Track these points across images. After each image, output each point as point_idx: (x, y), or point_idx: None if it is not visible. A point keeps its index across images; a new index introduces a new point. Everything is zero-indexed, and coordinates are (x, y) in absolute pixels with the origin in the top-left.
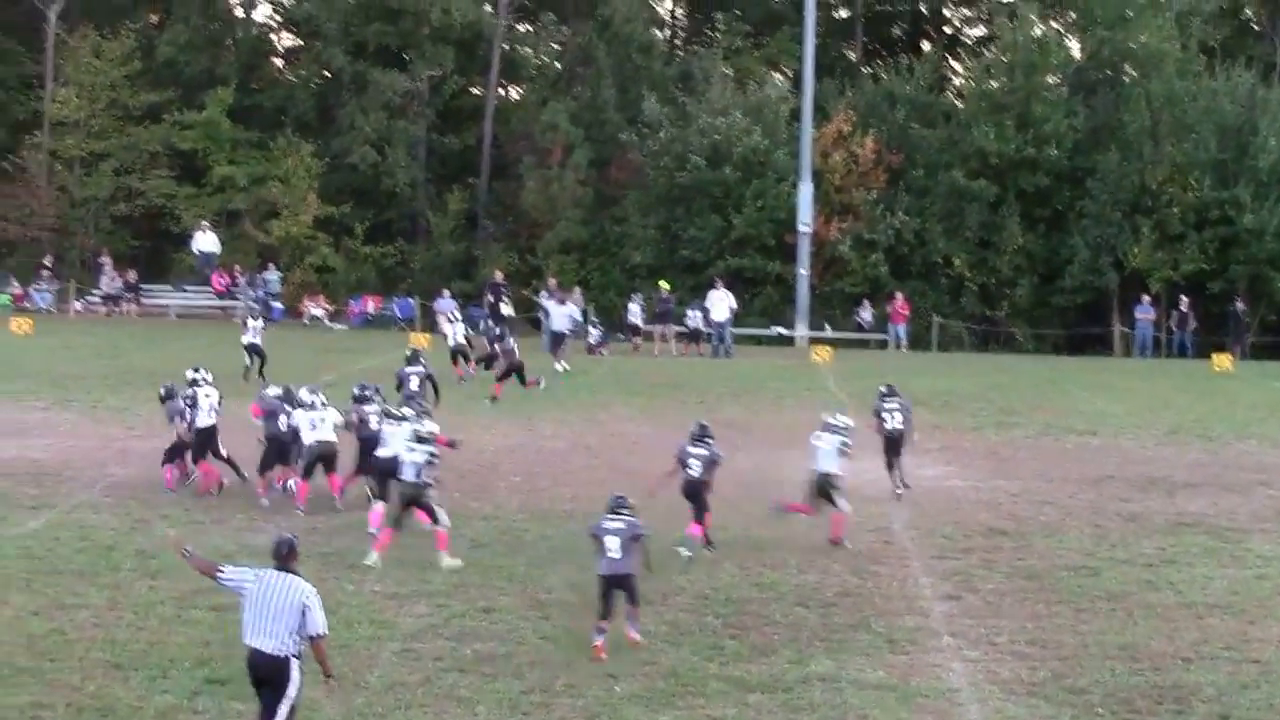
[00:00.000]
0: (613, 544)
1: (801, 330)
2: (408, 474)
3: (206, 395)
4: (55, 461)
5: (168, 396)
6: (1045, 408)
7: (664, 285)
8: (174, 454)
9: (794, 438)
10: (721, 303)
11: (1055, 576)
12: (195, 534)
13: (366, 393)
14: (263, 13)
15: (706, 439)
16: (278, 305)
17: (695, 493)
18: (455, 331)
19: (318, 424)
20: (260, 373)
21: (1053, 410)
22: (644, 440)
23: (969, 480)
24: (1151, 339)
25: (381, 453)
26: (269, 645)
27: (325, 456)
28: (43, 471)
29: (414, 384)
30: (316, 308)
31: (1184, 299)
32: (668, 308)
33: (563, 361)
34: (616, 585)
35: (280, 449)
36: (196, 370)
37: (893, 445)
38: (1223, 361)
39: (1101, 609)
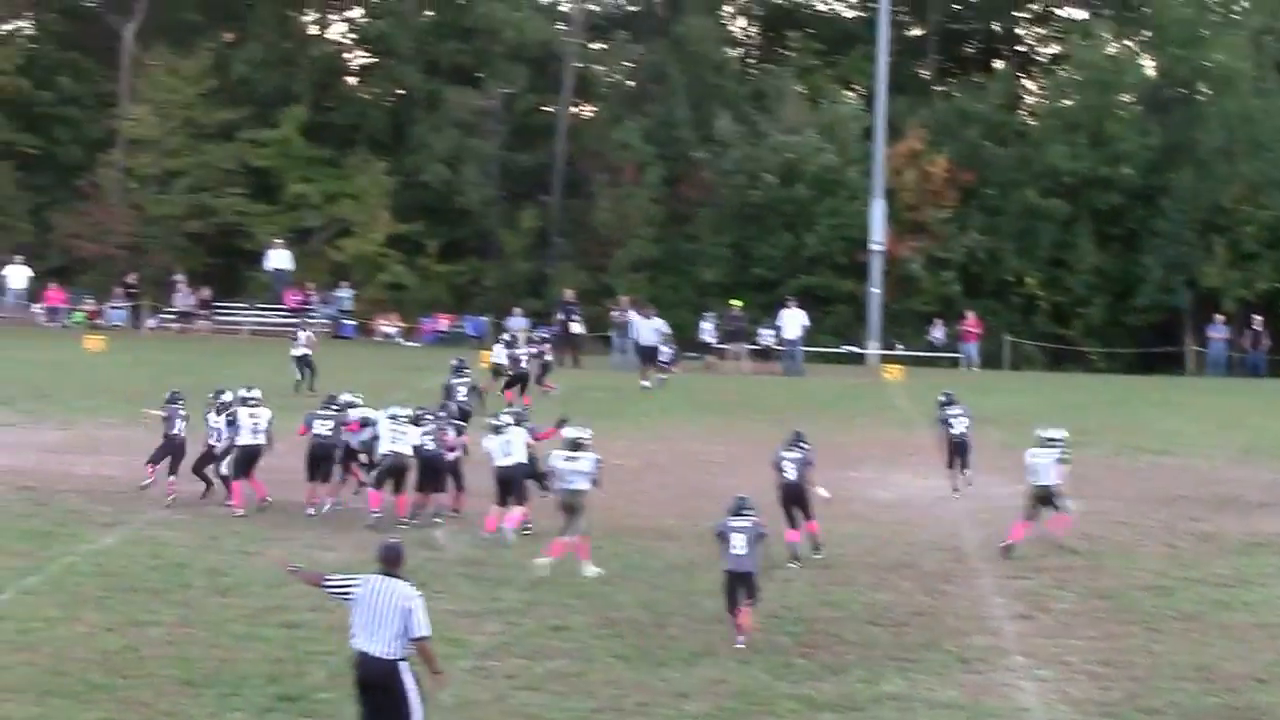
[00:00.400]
0: (738, 541)
1: (873, 348)
2: (569, 482)
3: (251, 415)
4: (129, 479)
5: (171, 401)
6: (1118, 427)
7: (736, 303)
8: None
9: (864, 456)
10: (793, 320)
11: (1128, 596)
12: (266, 549)
13: (425, 414)
14: (337, 31)
15: (801, 444)
16: (350, 323)
17: (795, 497)
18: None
19: (399, 437)
20: (310, 386)
21: (1125, 429)
22: (715, 458)
23: None
24: (1225, 358)
25: (503, 462)
26: (377, 649)
27: (397, 470)
28: (116, 489)
29: (461, 394)
30: (389, 325)
31: (1257, 318)
32: (739, 326)
33: (653, 377)
34: (740, 580)
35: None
36: (250, 389)
37: (960, 450)
38: None
39: (1175, 629)
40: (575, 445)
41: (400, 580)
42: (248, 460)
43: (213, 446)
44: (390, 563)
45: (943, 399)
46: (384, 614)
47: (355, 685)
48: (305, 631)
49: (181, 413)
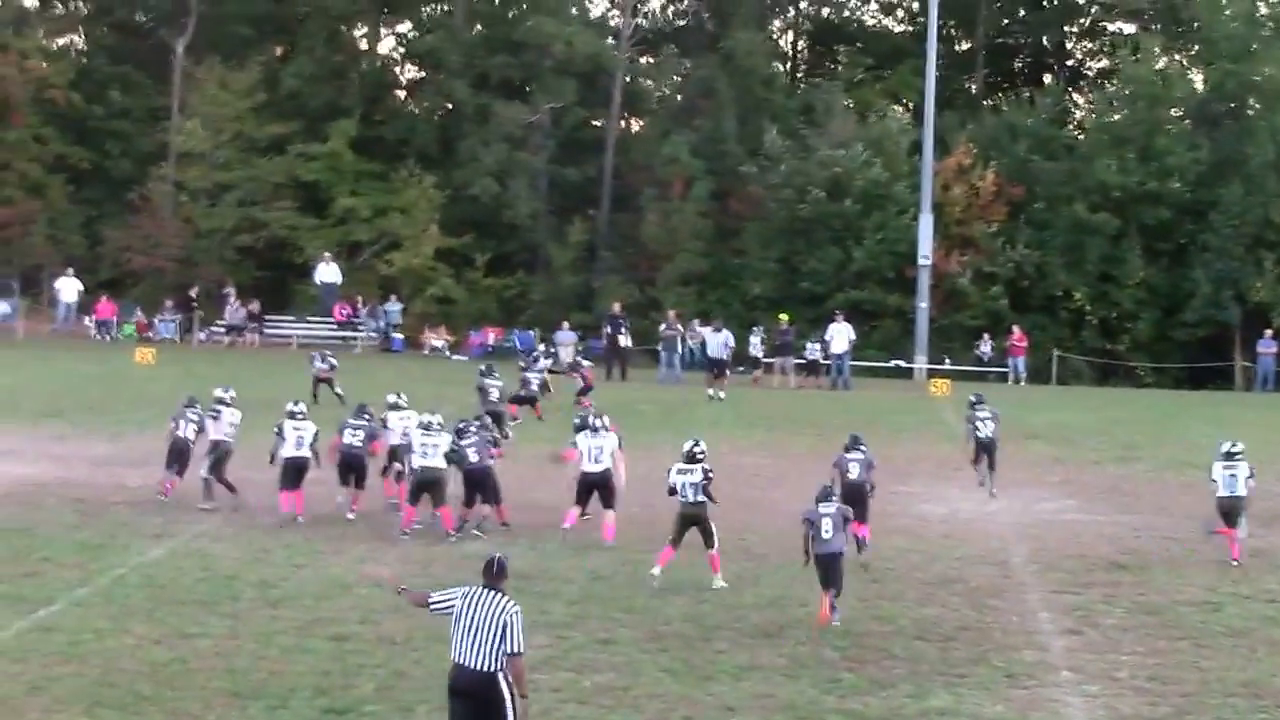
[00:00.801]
0: (827, 525)
1: (920, 363)
2: (687, 494)
3: (296, 429)
4: (178, 491)
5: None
6: (1167, 442)
7: (783, 317)
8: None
9: (912, 471)
10: (841, 335)
11: (1177, 612)
12: (315, 561)
13: (470, 426)
14: (386, 45)
15: (860, 446)
16: (398, 336)
17: (857, 498)
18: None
19: (430, 451)
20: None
21: (1175, 445)
22: (763, 472)
23: (1089, 514)
24: (1274, 373)
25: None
26: (475, 661)
27: (430, 484)
28: (165, 501)
29: (494, 395)
30: (437, 339)
31: None
32: (787, 340)
33: (718, 390)
34: (830, 562)
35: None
36: (296, 404)
37: (988, 450)
38: None
39: (1224, 645)
40: (691, 458)
41: (501, 594)
42: (294, 472)
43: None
44: (494, 576)
45: (972, 399)
46: (482, 626)
47: (449, 693)
48: (353, 644)
49: (192, 417)
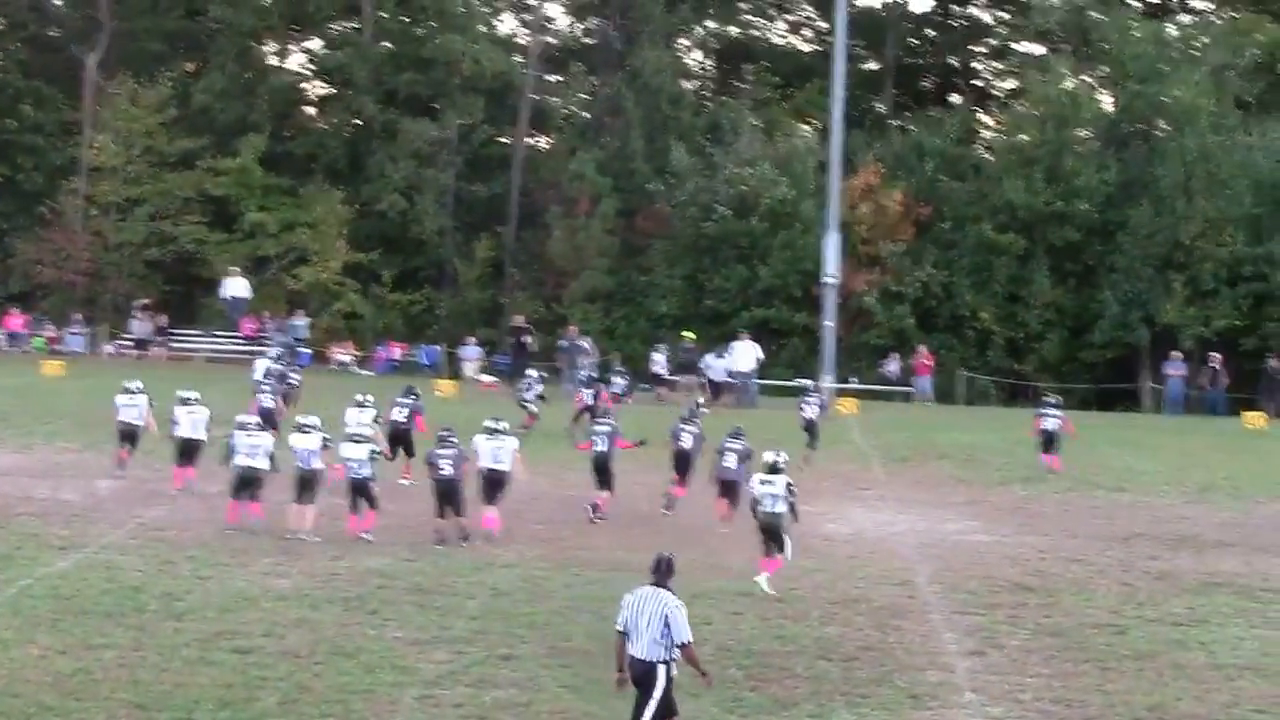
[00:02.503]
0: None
1: (826, 382)
2: (766, 504)
3: (249, 439)
4: (85, 503)
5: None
6: (1073, 464)
7: (688, 335)
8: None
9: (818, 490)
10: (746, 353)
11: (1082, 634)
12: (220, 574)
13: (449, 436)
14: (295, 61)
15: (740, 436)
16: (305, 351)
17: (730, 489)
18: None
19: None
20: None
21: (1081, 467)
22: (665, 490)
23: (994, 535)
24: (1182, 396)
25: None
26: (641, 652)
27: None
28: (73, 513)
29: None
30: (343, 354)
31: (1216, 356)
32: (692, 357)
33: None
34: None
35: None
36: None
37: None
38: (1255, 419)
39: (1129, 668)
40: (773, 469)
41: (666, 590)
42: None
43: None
44: (661, 573)
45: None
46: (646, 620)
47: (633, 682)
48: (256, 657)
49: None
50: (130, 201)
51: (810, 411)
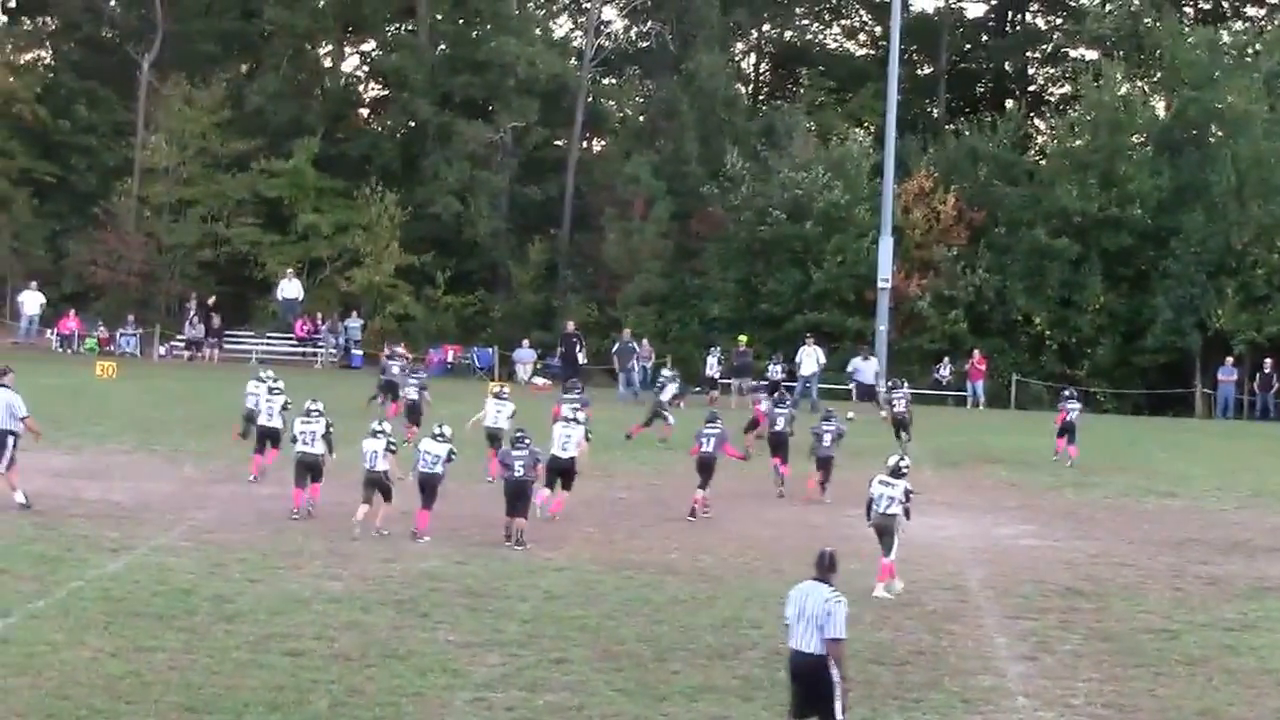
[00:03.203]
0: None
1: (880, 386)
2: (881, 505)
3: (305, 423)
4: (136, 504)
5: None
6: (1125, 468)
7: (742, 339)
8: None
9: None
10: (810, 357)
11: (1134, 639)
12: (271, 577)
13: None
14: (350, 64)
15: (715, 422)
16: (358, 353)
17: (707, 466)
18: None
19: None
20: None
21: (1133, 471)
22: (720, 492)
23: (1046, 540)
24: (1234, 401)
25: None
26: (804, 646)
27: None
28: (123, 514)
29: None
30: (398, 355)
31: (1268, 361)
32: (746, 361)
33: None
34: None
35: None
36: (314, 401)
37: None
38: None
39: (1181, 673)
40: (896, 472)
41: (829, 585)
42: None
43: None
44: (825, 569)
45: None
46: (811, 615)
47: (789, 676)
48: (308, 660)
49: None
50: (183, 203)
51: (900, 405)
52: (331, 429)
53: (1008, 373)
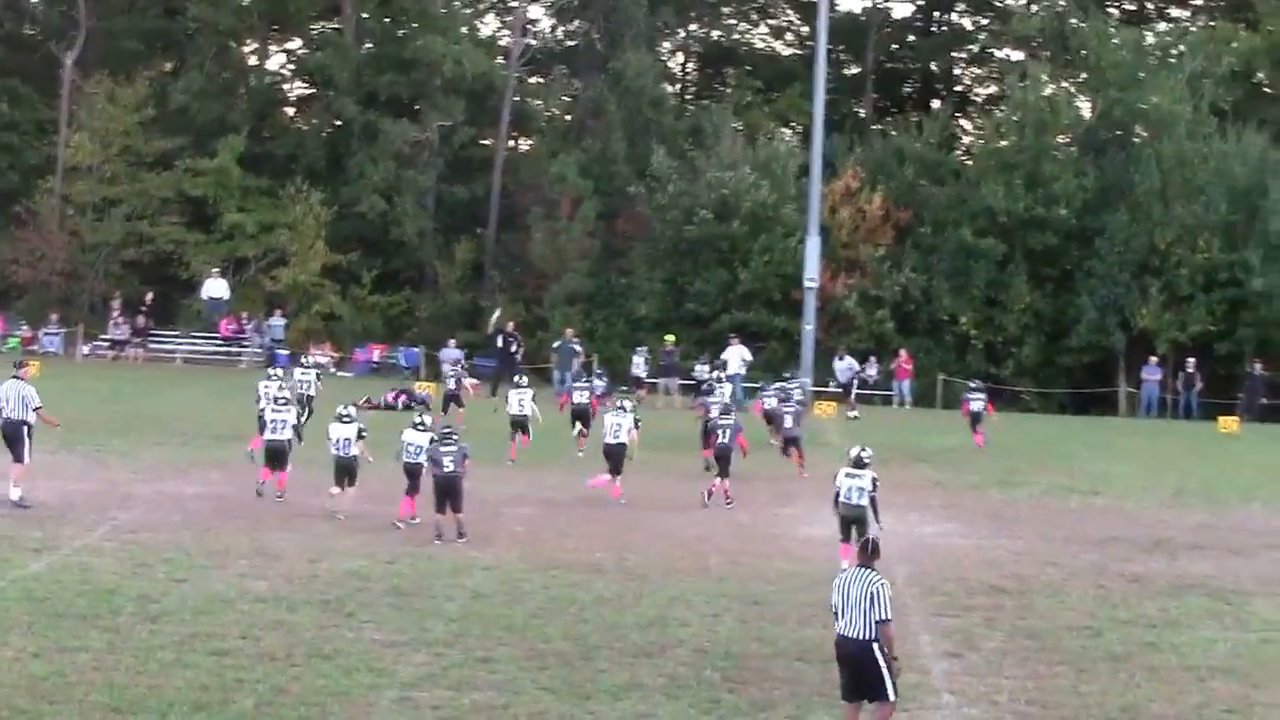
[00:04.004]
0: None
1: (806, 385)
2: (851, 497)
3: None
4: (59, 504)
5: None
6: (1049, 467)
7: (669, 338)
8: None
9: (796, 493)
10: (736, 356)
11: (1057, 636)
12: (195, 576)
13: (450, 433)
14: (276, 62)
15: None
16: (283, 352)
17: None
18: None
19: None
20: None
21: (1057, 470)
22: (646, 491)
23: (971, 538)
24: (1158, 400)
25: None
26: (854, 631)
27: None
28: (46, 515)
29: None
30: (322, 355)
31: (1191, 360)
32: (672, 360)
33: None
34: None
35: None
36: (345, 407)
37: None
38: (1229, 424)
39: (1103, 670)
40: (859, 463)
41: (872, 570)
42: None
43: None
44: (868, 556)
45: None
46: (855, 600)
47: (837, 662)
48: (233, 659)
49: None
50: (107, 201)
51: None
52: (364, 433)
53: (934, 372)
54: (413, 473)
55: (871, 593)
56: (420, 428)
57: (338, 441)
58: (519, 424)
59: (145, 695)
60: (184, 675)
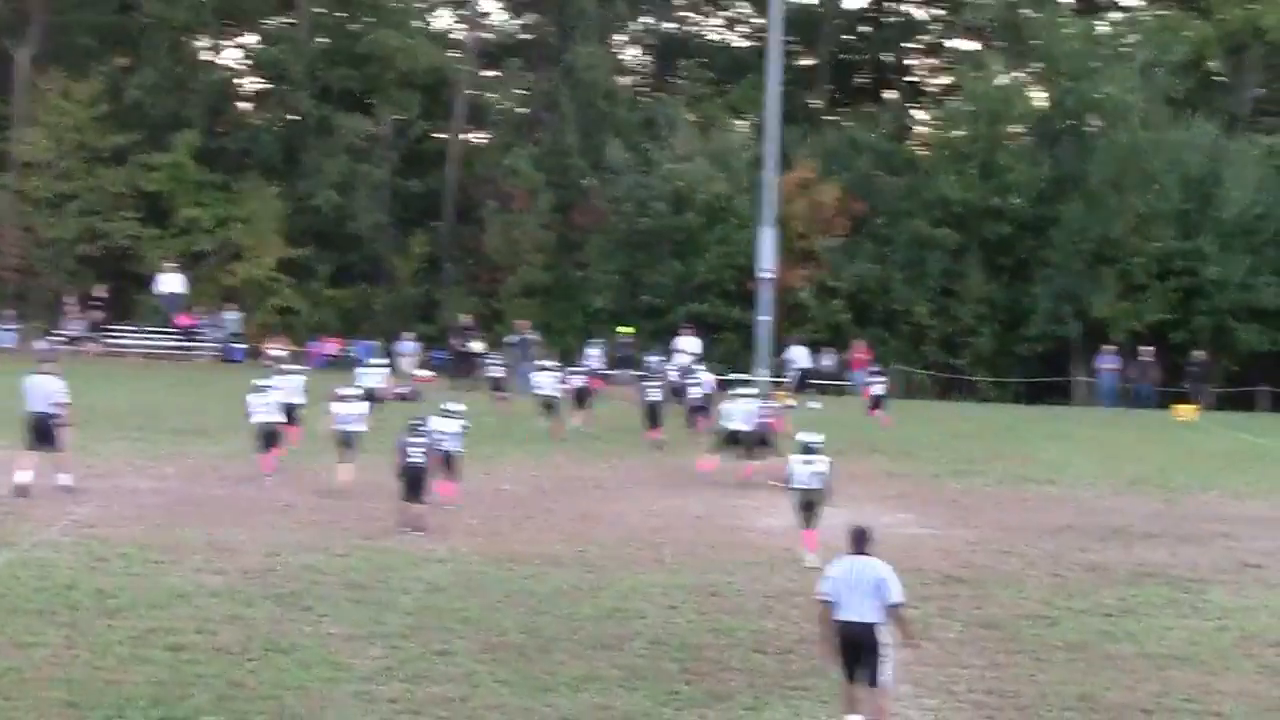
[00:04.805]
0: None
1: (761, 376)
2: (807, 481)
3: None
4: (15, 500)
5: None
6: (1005, 457)
7: (625, 330)
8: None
9: (753, 484)
10: (687, 347)
11: (1014, 626)
12: (152, 571)
13: (419, 425)
14: (230, 56)
15: (451, 412)
16: (239, 347)
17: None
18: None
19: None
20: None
21: (1013, 459)
22: (604, 484)
23: (927, 528)
24: (1113, 389)
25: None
26: (857, 616)
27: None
28: (2, 510)
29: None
30: (278, 349)
31: (1146, 349)
32: (628, 352)
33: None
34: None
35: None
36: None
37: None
38: (1185, 412)
39: (1060, 659)
40: (808, 449)
41: (872, 557)
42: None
43: None
44: (861, 542)
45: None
46: (860, 587)
47: (840, 646)
48: (190, 654)
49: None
50: (62, 197)
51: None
52: (466, 427)
53: (890, 362)
54: (447, 461)
55: (879, 578)
56: (448, 415)
57: (439, 435)
58: (548, 405)
59: (102, 690)
60: (141, 670)
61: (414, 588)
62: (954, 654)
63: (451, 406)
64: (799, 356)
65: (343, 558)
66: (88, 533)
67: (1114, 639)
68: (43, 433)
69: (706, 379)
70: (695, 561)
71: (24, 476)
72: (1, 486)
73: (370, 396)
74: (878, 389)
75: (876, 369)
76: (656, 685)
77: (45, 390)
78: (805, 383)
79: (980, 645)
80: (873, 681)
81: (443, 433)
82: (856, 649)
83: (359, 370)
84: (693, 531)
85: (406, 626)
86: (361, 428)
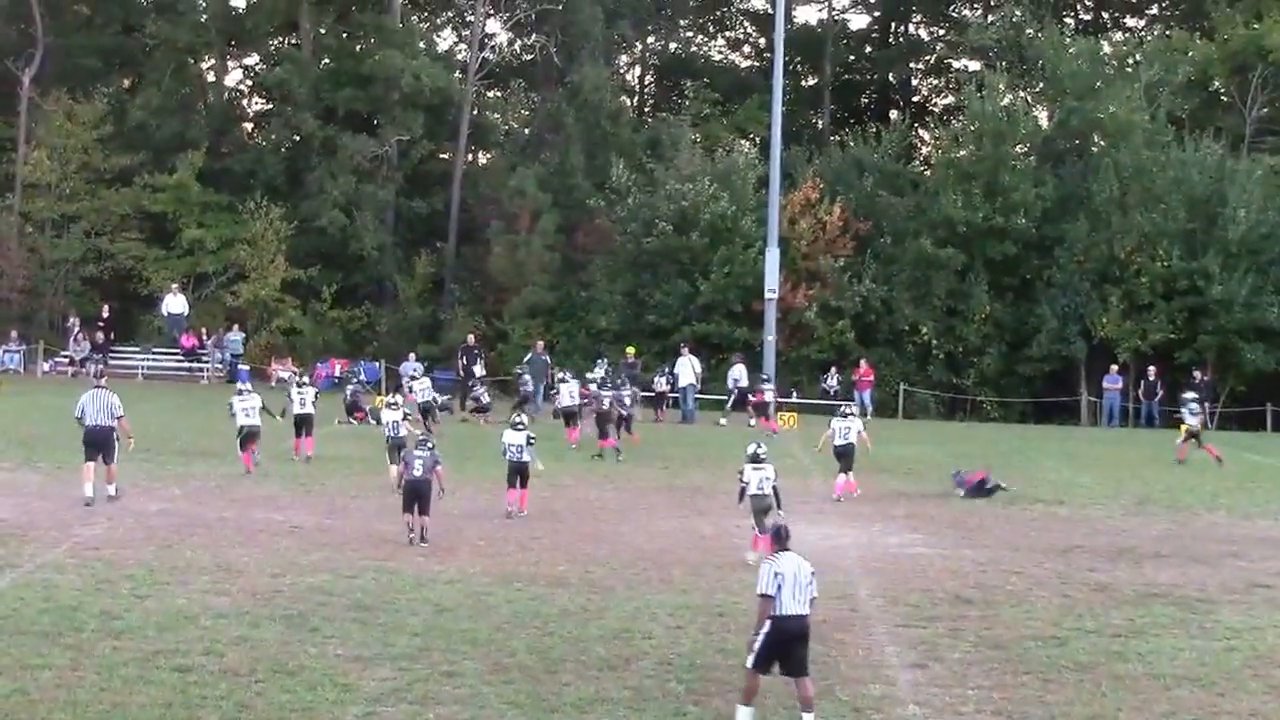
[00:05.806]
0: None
1: (768, 397)
2: (760, 488)
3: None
4: (20, 522)
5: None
6: (1012, 477)
7: (630, 350)
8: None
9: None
10: (686, 368)
11: (1022, 646)
12: (158, 592)
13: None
14: (234, 78)
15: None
16: (244, 368)
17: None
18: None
19: (417, 468)
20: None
21: (1020, 479)
22: (609, 505)
23: (935, 548)
24: (1119, 408)
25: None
26: (799, 609)
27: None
28: (7, 532)
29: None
30: (284, 370)
31: (1152, 369)
32: (634, 373)
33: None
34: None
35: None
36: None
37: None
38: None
39: (1069, 680)
40: (756, 459)
41: (797, 553)
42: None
43: None
44: (783, 540)
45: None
46: (800, 582)
47: (783, 641)
48: (196, 676)
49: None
50: (66, 218)
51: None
52: (533, 440)
53: (895, 382)
54: (516, 469)
55: (811, 573)
56: (519, 427)
57: (510, 447)
58: (570, 415)
59: (109, 713)
60: (147, 692)
61: (421, 609)
62: (962, 674)
63: (518, 419)
64: (740, 375)
65: (350, 579)
66: (93, 554)
67: (1123, 659)
68: (102, 444)
69: (629, 390)
70: (701, 582)
71: (91, 489)
72: (8, 507)
73: (426, 411)
74: (768, 395)
75: (766, 377)
76: (664, 706)
77: (105, 403)
78: (741, 402)
79: (988, 666)
80: (805, 672)
81: (511, 444)
82: (801, 639)
83: (409, 384)
84: (698, 552)
85: (414, 648)
86: (404, 432)
